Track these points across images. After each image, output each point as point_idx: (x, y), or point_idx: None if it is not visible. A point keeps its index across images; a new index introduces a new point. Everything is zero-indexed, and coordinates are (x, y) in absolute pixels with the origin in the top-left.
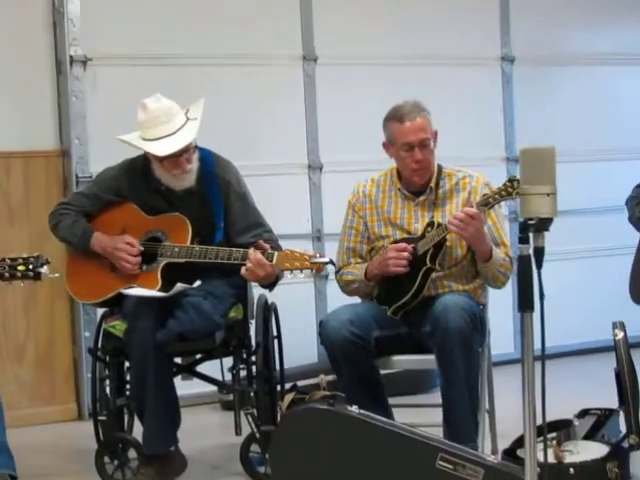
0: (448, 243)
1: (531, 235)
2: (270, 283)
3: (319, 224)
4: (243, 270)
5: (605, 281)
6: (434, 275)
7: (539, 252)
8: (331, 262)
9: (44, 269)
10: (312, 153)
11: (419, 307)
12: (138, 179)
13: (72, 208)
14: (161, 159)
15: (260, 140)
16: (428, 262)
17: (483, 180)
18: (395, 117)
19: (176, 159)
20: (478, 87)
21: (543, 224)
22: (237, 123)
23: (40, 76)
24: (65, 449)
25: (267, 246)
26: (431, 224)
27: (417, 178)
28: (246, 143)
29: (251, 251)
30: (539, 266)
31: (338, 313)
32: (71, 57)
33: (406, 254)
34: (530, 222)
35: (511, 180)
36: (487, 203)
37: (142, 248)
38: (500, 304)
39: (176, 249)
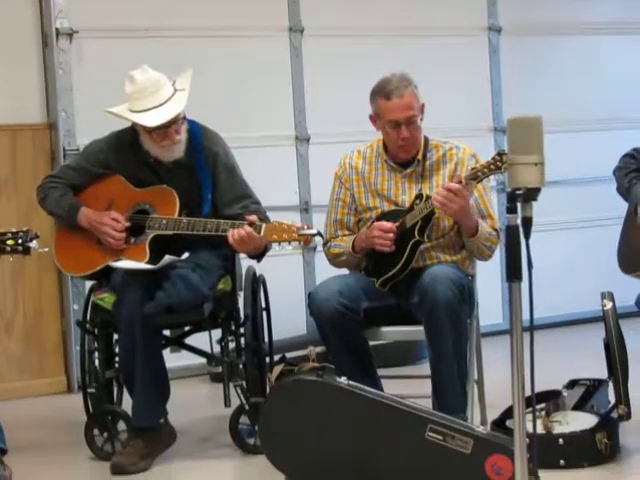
0: (436, 215)
1: (519, 205)
2: (258, 254)
3: (307, 196)
4: (230, 239)
5: (593, 251)
6: (422, 247)
7: (527, 222)
8: (319, 234)
9: (33, 243)
10: (299, 125)
11: (407, 278)
12: (126, 151)
13: (60, 181)
14: (150, 130)
15: (247, 112)
16: (416, 235)
17: (470, 151)
18: (382, 93)
19: (165, 130)
20: (465, 58)
21: (531, 194)
22: (224, 95)
23: (26, 49)
24: (54, 422)
25: (255, 218)
26: (419, 197)
27: (403, 154)
28: (233, 115)
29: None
30: (527, 236)
31: (327, 284)
32: (57, 30)
33: (391, 235)
34: (518, 192)
35: (500, 154)
36: (476, 177)
37: (128, 224)
38: (489, 275)
39: (164, 221)
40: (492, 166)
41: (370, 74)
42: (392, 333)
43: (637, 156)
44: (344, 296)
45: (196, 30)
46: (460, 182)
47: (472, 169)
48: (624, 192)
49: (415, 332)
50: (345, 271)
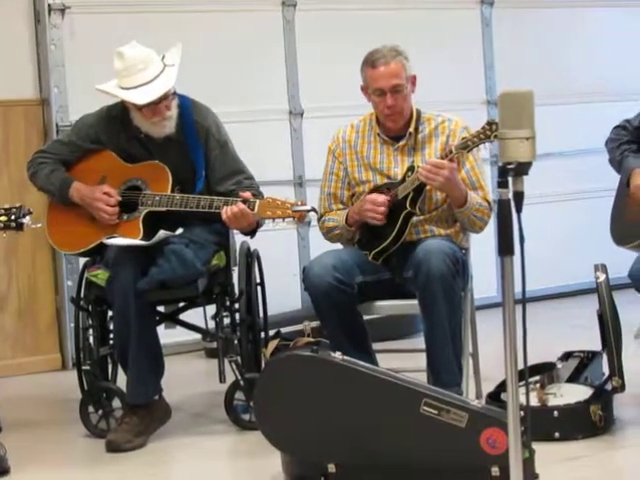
0: (428, 187)
1: (510, 179)
2: (251, 230)
3: (300, 170)
4: (224, 216)
5: (587, 223)
6: (415, 219)
7: (519, 196)
8: (313, 210)
9: (26, 219)
10: (293, 99)
11: (401, 252)
12: (117, 127)
13: (50, 156)
14: (140, 107)
15: (240, 86)
16: (408, 206)
17: (462, 124)
18: (369, 61)
19: (155, 106)
20: (458, 31)
21: (522, 168)
22: (217, 70)
23: (18, 25)
24: (49, 399)
25: (249, 195)
26: (411, 168)
27: (390, 123)
28: (226, 90)
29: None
30: (519, 210)
31: (321, 259)
32: (49, 5)
33: (383, 209)
34: (509, 166)
35: (490, 123)
36: (466, 146)
37: (120, 198)
38: (483, 248)
39: (157, 198)
40: (482, 135)
41: (363, 48)
42: (386, 307)
43: (629, 127)
44: (338, 271)
45: (188, 4)
46: (450, 152)
47: (462, 138)
48: (616, 164)
49: (409, 306)
50: (339, 246)
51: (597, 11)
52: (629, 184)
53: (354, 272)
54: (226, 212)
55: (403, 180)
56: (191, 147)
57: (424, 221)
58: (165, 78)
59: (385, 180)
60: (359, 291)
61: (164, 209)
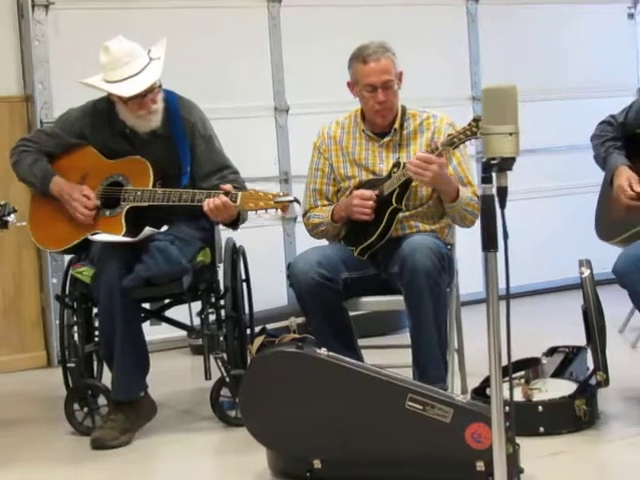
0: (414, 183)
1: (494, 175)
2: (232, 222)
3: (286, 166)
4: (205, 207)
5: (572, 219)
6: (400, 215)
7: (502, 192)
8: (295, 200)
9: (11, 217)
10: (278, 95)
11: (387, 248)
12: (102, 121)
13: (34, 146)
14: (126, 100)
15: (226, 83)
16: (394, 202)
17: (447, 120)
18: (359, 57)
19: (141, 100)
20: (444, 27)
21: (506, 164)
22: (202, 66)
23: (2, 21)
24: (35, 396)
25: (230, 187)
26: (397, 164)
27: (380, 119)
28: (212, 86)
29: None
30: (502, 206)
31: (306, 255)
32: (33, 1)
33: (370, 203)
34: (493, 162)
35: (476, 119)
36: (452, 143)
37: (98, 202)
38: (469, 243)
39: (139, 193)
40: (468, 132)
41: (349, 44)
42: (371, 303)
43: (614, 123)
44: (323, 267)
45: (174, 1)
46: (437, 149)
47: (448, 135)
48: (601, 161)
49: (395, 302)
50: (325, 242)
51: (582, 7)
52: (612, 182)
53: (339, 268)
54: (208, 204)
55: (389, 176)
56: (177, 142)
57: (410, 217)
58: (151, 71)
59: (370, 176)
60: (344, 287)
61: (146, 204)
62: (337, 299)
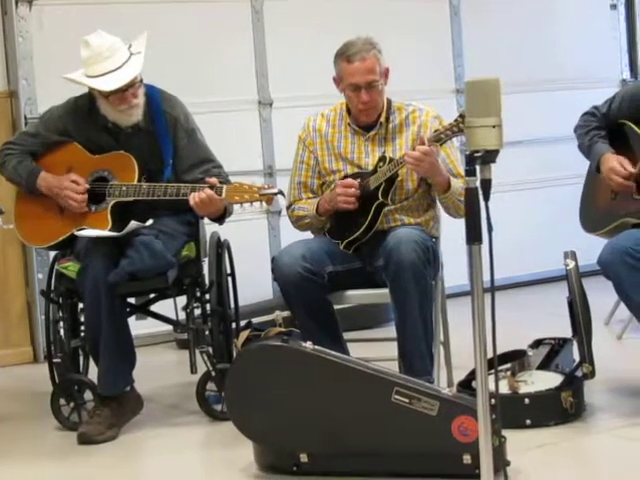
0: (399, 178)
1: (478, 167)
2: (219, 216)
3: (270, 160)
4: (191, 201)
5: (557, 210)
6: (386, 209)
7: (486, 184)
8: (280, 193)
9: None
10: (262, 89)
11: (372, 241)
12: (84, 117)
13: (18, 148)
14: (107, 95)
15: (210, 77)
16: (380, 197)
17: (433, 113)
18: (344, 56)
19: (122, 94)
20: (426, 19)
21: (489, 156)
22: (186, 60)
23: None
24: (21, 392)
25: (215, 180)
26: (383, 159)
27: (364, 117)
28: (195, 80)
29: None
30: (486, 198)
31: (290, 249)
32: None
33: (353, 190)
34: (476, 154)
35: (462, 116)
36: (439, 139)
37: (88, 186)
38: (454, 235)
39: (124, 188)
40: (455, 128)
41: (332, 38)
42: (357, 297)
43: (597, 114)
44: (307, 260)
45: None
46: (423, 144)
47: (435, 131)
48: (585, 150)
49: (380, 295)
50: (310, 235)
51: None
52: (599, 170)
53: (324, 262)
54: (194, 198)
55: (374, 171)
56: (160, 136)
57: (395, 210)
58: (131, 66)
59: (356, 170)
60: (329, 280)
61: (131, 199)
62: (322, 293)
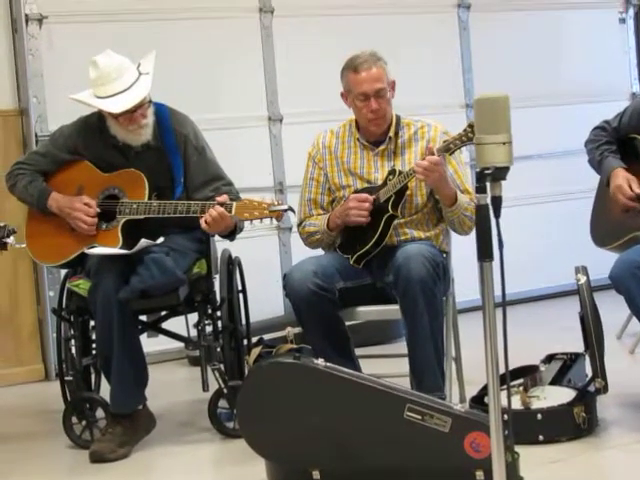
0: (409, 191)
1: (488, 184)
2: (229, 233)
3: (281, 176)
4: (203, 223)
5: (566, 225)
6: (395, 222)
7: (497, 201)
8: (290, 209)
9: (11, 239)
10: (272, 105)
11: (381, 256)
12: (94, 136)
13: (28, 168)
14: (116, 116)
15: (219, 93)
16: (390, 209)
17: (441, 129)
18: (351, 67)
19: (131, 115)
20: (435, 35)
21: (500, 173)
22: (196, 77)
23: None
24: (32, 410)
25: (225, 197)
26: (392, 172)
27: (374, 127)
28: (205, 97)
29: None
30: (497, 215)
31: (302, 265)
32: (26, 15)
33: (367, 204)
34: (486, 171)
35: (471, 125)
36: (448, 149)
37: (99, 210)
38: (466, 251)
39: (134, 205)
40: (464, 137)
41: (341, 53)
42: (368, 313)
43: (608, 128)
44: (319, 276)
45: (167, 12)
46: (432, 154)
47: (444, 141)
48: (596, 165)
49: (390, 311)
50: (320, 252)
51: (574, 13)
52: (609, 184)
53: (335, 278)
54: (205, 219)
55: (384, 184)
56: (170, 154)
57: (404, 224)
58: (140, 86)
59: (365, 185)
60: (340, 297)
61: (142, 216)
62: (333, 309)
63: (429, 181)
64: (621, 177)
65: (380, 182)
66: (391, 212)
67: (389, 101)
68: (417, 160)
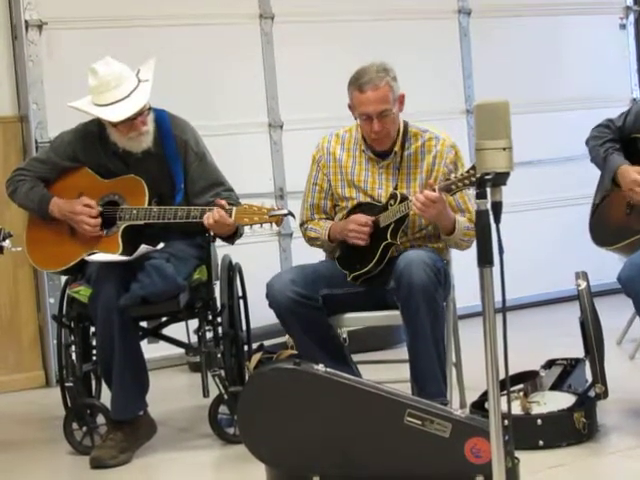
0: (412, 212)
1: (488, 190)
2: (229, 235)
3: (281, 182)
4: (206, 221)
5: (566, 231)
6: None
7: (497, 207)
8: (290, 214)
9: (6, 243)
10: (272, 111)
11: (382, 269)
12: (94, 143)
13: (28, 174)
14: (115, 124)
15: (220, 100)
16: (389, 237)
17: (449, 142)
18: (356, 84)
19: (131, 122)
20: (436, 41)
21: (500, 178)
22: (196, 83)
23: None
24: (33, 416)
25: (225, 202)
26: (394, 196)
27: (377, 146)
28: (206, 103)
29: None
30: (497, 221)
31: (281, 275)
32: (26, 22)
33: (367, 229)
34: (487, 177)
35: (474, 167)
36: (449, 190)
37: (100, 209)
38: (466, 256)
39: (134, 211)
40: (466, 180)
41: (342, 59)
42: (356, 319)
43: (612, 126)
44: (297, 284)
45: (167, 19)
46: (433, 191)
47: (446, 180)
48: (600, 162)
49: (381, 317)
50: (317, 257)
51: (574, 19)
52: (615, 182)
53: (317, 285)
54: (208, 219)
55: (386, 207)
56: (170, 160)
57: (407, 241)
58: (139, 94)
59: (368, 199)
60: (325, 303)
61: (142, 222)
62: (317, 315)
63: (426, 216)
64: (634, 172)
65: (383, 199)
66: (389, 240)
67: (394, 120)
68: (421, 182)
